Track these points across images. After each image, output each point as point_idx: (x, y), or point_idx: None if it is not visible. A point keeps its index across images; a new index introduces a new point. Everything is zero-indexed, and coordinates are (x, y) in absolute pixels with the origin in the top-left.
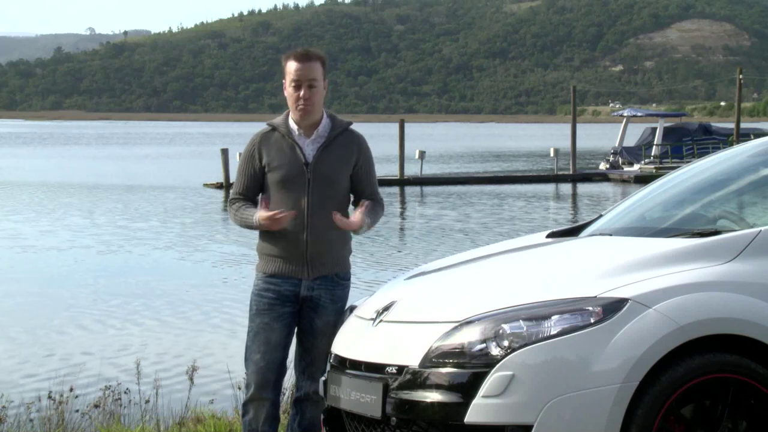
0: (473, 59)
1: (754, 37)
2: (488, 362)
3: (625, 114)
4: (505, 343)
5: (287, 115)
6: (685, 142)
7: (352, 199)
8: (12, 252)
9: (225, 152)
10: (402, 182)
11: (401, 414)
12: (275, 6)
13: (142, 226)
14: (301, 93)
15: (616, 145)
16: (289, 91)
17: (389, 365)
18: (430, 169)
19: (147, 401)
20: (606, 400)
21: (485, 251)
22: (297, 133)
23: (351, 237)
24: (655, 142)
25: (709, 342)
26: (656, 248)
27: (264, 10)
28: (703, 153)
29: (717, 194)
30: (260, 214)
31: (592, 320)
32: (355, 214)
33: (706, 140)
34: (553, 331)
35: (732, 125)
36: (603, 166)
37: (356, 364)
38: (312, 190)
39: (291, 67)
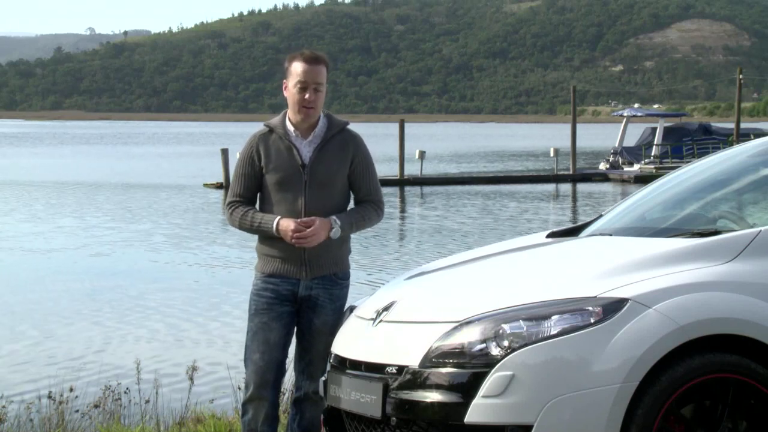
0: (473, 59)
1: (754, 37)
2: (488, 362)
3: (625, 114)
4: (505, 343)
5: (284, 116)
6: (685, 142)
7: (353, 198)
8: (10, 253)
9: (225, 152)
10: (402, 182)
11: (401, 414)
12: (275, 6)
13: (140, 226)
14: (307, 95)
15: (616, 145)
16: (292, 92)
17: (389, 365)
18: (430, 169)
19: (147, 401)
20: (606, 400)
21: (485, 251)
22: (294, 134)
23: (350, 237)
24: (655, 142)
25: (709, 342)
26: (656, 248)
27: (264, 10)
28: (703, 153)
29: (717, 194)
30: (289, 222)
31: (592, 320)
32: (315, 224)
33: (706, 140)
34: (553, 331)
35: (732, 125)
36: (603, 166)
37: (356, 364)
38: (309, 191)
39: (298, 68)
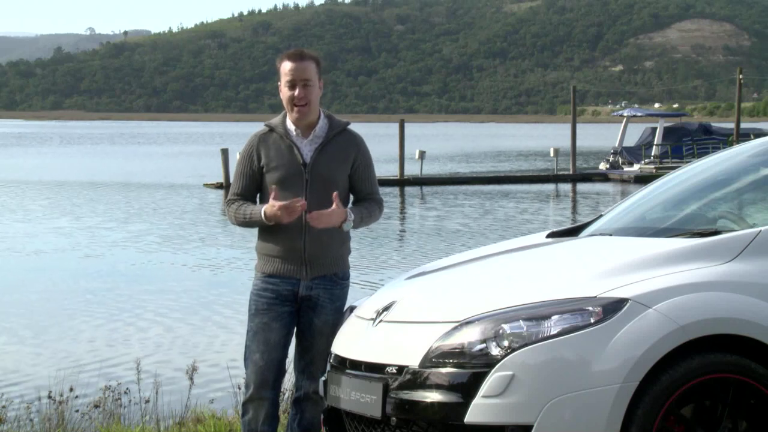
0: (473, 59)
1: (754, 37)
2: (488, 362)
3: (625, 114)
4: (505, 343)
5: (284, 116)
6: (685, 142)
7: (351, 199)
8: (9, 253)
9: (225, 152)
10: (402, 182)
11: (401, 414)
12: (275, 6)
13: (140, 227)
14: (296, 92)
15: (616, 145)
16: (284, 91)
17: (389, 365)
18: (430, 169)
19: (147, 401)
20: (606, 400)
21: (485, 251)
22: (294, 133)
23: (350, 237)
24: (655, 142)
25: (709, 342)
26: (656, 248)
27: (264, 10)
28: (703, 153)
29: (717, 194)
30: (272, 203)
31: (592, 320)
32: (332, 207)
33: (706, 140)
34: (553, 331)
35: (732, 125)
36: (603, 166)
37: (356, 364)
38: (310, 190)
39: (285, 67)
